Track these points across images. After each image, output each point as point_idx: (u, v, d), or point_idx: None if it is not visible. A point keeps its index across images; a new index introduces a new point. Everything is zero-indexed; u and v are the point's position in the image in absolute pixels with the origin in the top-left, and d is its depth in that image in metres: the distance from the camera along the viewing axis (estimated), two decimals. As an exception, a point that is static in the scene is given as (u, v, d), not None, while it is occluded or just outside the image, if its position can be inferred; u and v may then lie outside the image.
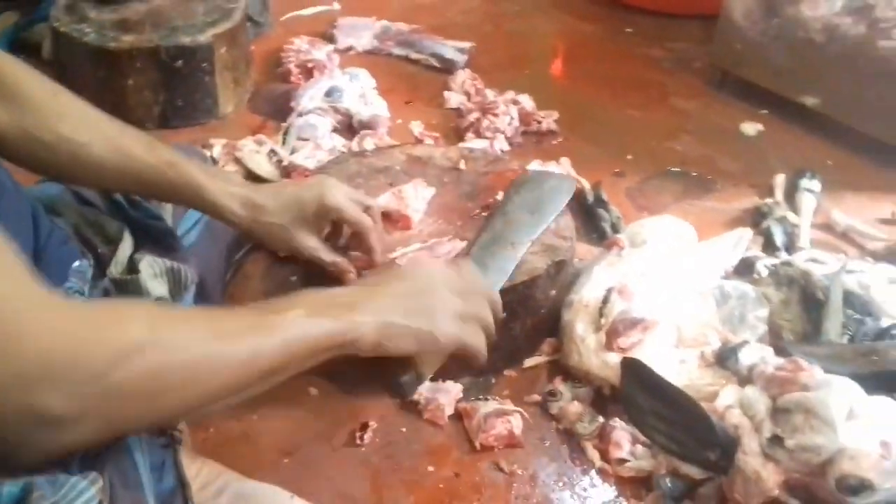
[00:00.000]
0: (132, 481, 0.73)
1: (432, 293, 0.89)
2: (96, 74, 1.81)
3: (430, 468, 1.12)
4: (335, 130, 1.85)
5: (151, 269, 1.04)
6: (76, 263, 0.92)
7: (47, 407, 0.57)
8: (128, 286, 1.01)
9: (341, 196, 1.13)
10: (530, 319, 1.25)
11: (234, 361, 0.70)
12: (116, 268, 1.05)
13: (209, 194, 1.06)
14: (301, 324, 0.76)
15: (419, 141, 1.82)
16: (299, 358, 0.76)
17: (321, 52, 2.11)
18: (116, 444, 0.74)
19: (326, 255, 1.15)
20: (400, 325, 0.84)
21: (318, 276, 1.23)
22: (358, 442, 1.15)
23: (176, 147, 1.24)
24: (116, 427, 0.66)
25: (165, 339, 0.65)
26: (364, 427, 1.16)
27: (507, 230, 1.27)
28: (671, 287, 1.28)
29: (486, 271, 1.18)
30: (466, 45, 2.27)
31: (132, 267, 1.05)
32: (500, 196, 1.34)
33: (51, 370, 0.57)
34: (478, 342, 0.92)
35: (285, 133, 1.74)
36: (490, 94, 1.97)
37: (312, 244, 1.14)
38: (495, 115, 1.86)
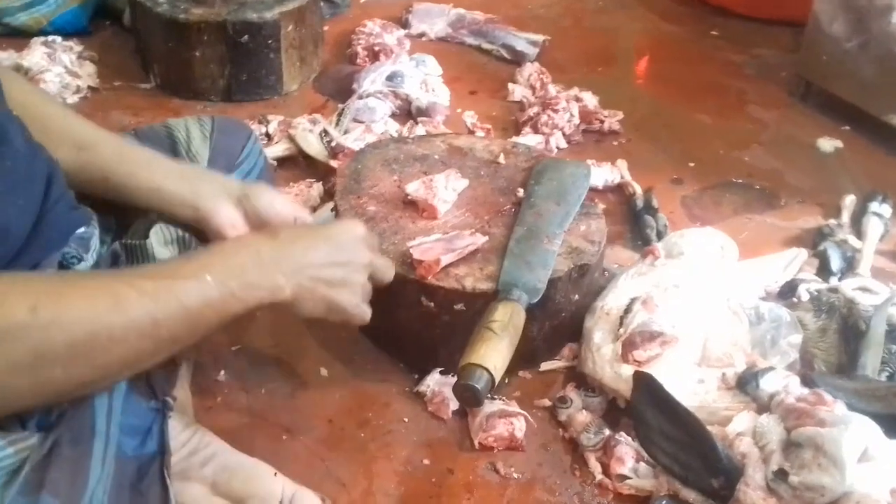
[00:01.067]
0: (83, 437, 0.74)
1: (344, 275, 0.95)
2: (167, 44, 1.86)
3: (426, 461, 1.11)
4: (393, 115, 1.85)
5: (162, 236, 1.06)
6: (81, 230, 0.95)
7: None
8: (137, 251, 1.03)
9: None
10: (549, 322, 1.22)
11: (130, 334, 0.71)
12: (134, 234, 1.07)
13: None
14: (205, 289, 0.78)
15: (470, 132, 1.79)
16: (203, 325, 0.79)
17: (392, 36, 2.11)
18: (79, 402, 0.76)
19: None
20: (313, 296, 0.91)
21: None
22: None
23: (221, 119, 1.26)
24: (11, 401, 0.68)
25: (48, 318, 0.66)
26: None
27: (538, 223, 1.25)
28: (702, 302, 1.22)
29: (530, 268, 1.17)
30: (540, 38, 2.23)
31: (148, 233, 1.07)
32: (521, 193, 1.31)
33: None
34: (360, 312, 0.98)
35: (340, 114, 1.75)
36: (553, 89, 1.93)
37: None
38: (555, 110, 1.82)
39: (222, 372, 1.21)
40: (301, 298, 0.89)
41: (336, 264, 0.93)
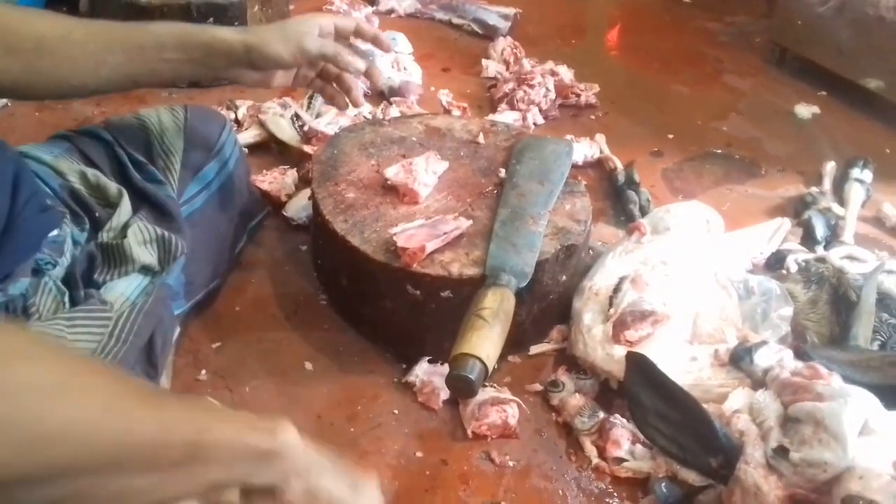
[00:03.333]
0: None
1: None
2: (128, 30, 1.79)
3: (419, 454, 1.08)
4: (365, 96, 1.79)
5: (141, 235, 1.02)
6: (53, 233, 0.90)
7: None
8: (114, 251, 0.99)
9: (326, 17, 1.11)
10: (537, 305, 1.19)
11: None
12: (109, 233, 1.03)
13: (198, 27, 1.02)
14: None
15: (446, 111, 1.76)
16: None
17: (360, 13, 2.07)
18: None
19: (329, 44, 1.09)
20: None
21: (328, 245, 1.21)
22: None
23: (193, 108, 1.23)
24: None
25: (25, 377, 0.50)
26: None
27: (522, 204, 1.22)
28: (690, 278, 1.20)
29: (516, 250, 1.14)
30: (512, 11, 2.19)
31: (126, 233, 1.03)
32: (503, 173, 1.28)
33: None
34: None
35: (311, 97, 1.70)
36: (528, 63, 1.90)
37: (312, 37, 1.07)
38: (531, 86, 1.79)
39: (203, 371, 1.18)
40: None
41: None
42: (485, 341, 0.99)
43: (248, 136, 1.63)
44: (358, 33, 1.16)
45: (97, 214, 1.06)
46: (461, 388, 0.99)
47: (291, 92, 1.83)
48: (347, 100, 1.20)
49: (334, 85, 1.20)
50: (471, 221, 1.18)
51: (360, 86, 1.21)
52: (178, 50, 0.99)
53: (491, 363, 0.99)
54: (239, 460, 0.60)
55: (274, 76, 1.11)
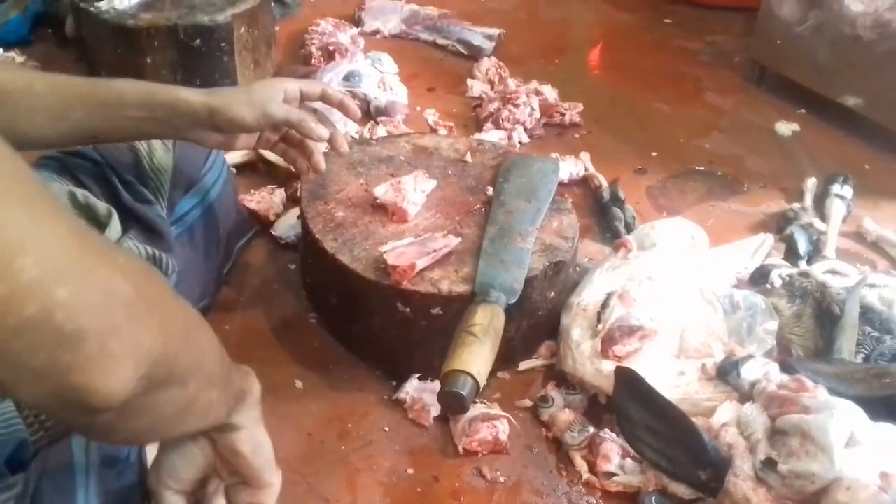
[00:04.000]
0: (64, 475, 0.71)
1: None
2: (116, 52, 1.79)
3: (410, 471, 1.09)
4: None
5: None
6: None
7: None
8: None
9: (292, 81, 1.10)
10: (526, 321, 1.20)
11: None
12: None
13: (163, 88, 1.00)
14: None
15: (433, 130, 1.77)
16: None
17: (345, 34, 2.08)
18: (58, 444, 0.72)
19: (292, 111, 1.08)
20: None
21: (318, 263, 1.21)
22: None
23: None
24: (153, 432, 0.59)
25: (195, 347, 0.57)
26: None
27: (510, 221, 1.24)
28: (677, 294, 1.22)
29: (505, 267, 1.15)
30: (495, 31, 2.21)
31: None
32: (490, 191, 1.30)
33: None
34: None
35: (298, 117, 1.71)
36: (513, 83, 1.92)
37: (277, 102, 1.06)
38: (516, 105, 1.80)
39: (194, 390, 1.17)
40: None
41: None
42: (476, 357, 1.00)
43: (236, 156, 1.63)
44: (324, 98, 1.15)
45: None
46: (453, 405, 0.99)
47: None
48: (308, 165, 1.17)
49: (297, 150, 1.18)
50: (460, 239, 1.19)
51: (321, 148, 1.19)
52: (140, 108, 0.98)
53: (482, 379, 1.00)
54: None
55: (237, 139, 1.10)
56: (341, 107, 1.17)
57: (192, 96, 1.01)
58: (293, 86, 1.11)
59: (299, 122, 1.09)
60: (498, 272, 1.14)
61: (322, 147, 1.18)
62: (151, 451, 0.94)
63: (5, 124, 0.92)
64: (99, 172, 1.13)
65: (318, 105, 1.17)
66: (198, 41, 1.77)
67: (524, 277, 1.15)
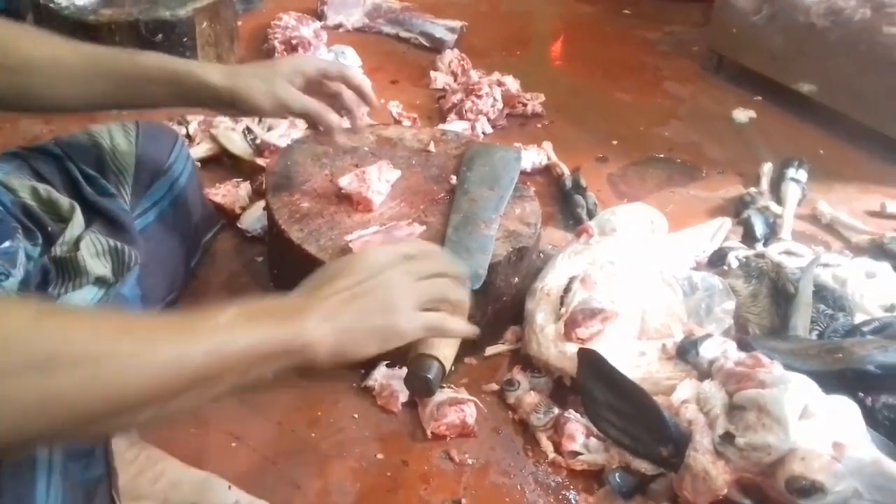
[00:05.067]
0: (25, 468, 0.71)
1: (386, 285, 0.80)
2: (75, 48, 1.78)
3: (380, 456, 1.10)
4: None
5: (94, 248, 1.02)
6: (6, 244, 0.91)
7: None
8: (68, 264, 0.99)
9: (312, 61, 1.14)
10: (491, 307, 1.22)
11: (151, 364, 0.62)
12: (62, 247, 1.03)
13: (187, 69, 1.04)
14: (233, 329, 0.67)
15: (397, 122, 1.78)
16: (233, 367, 0.67)
17: (308, 28, 2.08)
18: (17, 466, 0.71)
19: (310, 102, 1.12)
20: (357, 328, 0.76)
21: (285, 254, 1.22)
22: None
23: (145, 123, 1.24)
24: (13, 423, 0.57)
25: (53, 331, 0.58)
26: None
27: (474, 209, 1.25)
28: (637, 277, 1.25)
29: (469, 254, 1.17)
30: (458, 24, 2.23)
31: (79, 246, 1.03)
32: (454, 180, 1.32)
33: None
34: (451, 322, 0.86)
35: (262, 111, 1.71)
36: (475, 74, 1.94)
37: (294, 93, 1.10)
38: (478, 96, 1.83)
39: (162, 382, 1.18)
40: (341, 335, 0.75)
41: (369, 281, 0.79)
42: (442, 342, 1.01)
43: (200, 150, 1.64)
44: (344, 80, 1.17)
45: (50, 229, 1.06)
46: (420, 388, 1.01)
47: (242, 106, 1.84)
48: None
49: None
50: (424, 227, 1.20)
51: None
52: (165, 86, 1.02)
53: (448, 363, 1.02)
54: (256, 366, 0.69)
55: None
56: (359, 91, 1.19)
57: (216, 80, 1.04)
58: (312, 67, 1.13)
59: (317, 114, 1.12)
60: (461, 258, 1.16)
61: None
62: (119, 451, 0.95)
63: (26, 90, 0.95)
64: (61, 167, 1.13)
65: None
66: (159, 36, 1.77)
67: (488, 263, 1.17)
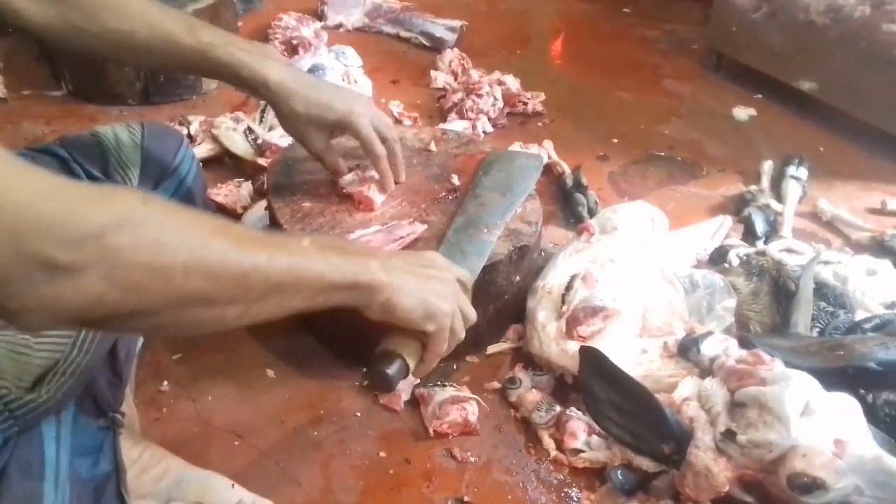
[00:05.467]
0: (34, 465, 0.72)
1: (442, 279, 0.89)
2: (77, 49, 1.79)
3: (382, 454, 1.11)
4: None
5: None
6: None
7: (46, 254, 0.54)
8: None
9: (365, 120, 1.18)
10: (493, 305, 1.23)
11: (241, 263, 0.67)
12: None
13: (246, 70, 1.08)
14: (313, 252, 0.76)
15: (398, 121, 1.79)
16: (308, 286, 0.74)
17: (308, 28, 2.09)
18: (28, 433, 0.73)
19: (329, 156, 1.21)
20: (411, 291, 0.84)
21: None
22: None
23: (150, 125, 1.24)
24: (120, 293, 0.60)
25: (161, 218, 0.61)
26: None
27: (480, 213, 1.25)
28: (638, 275, 1.25)
29: (464, 256, 1.16)
30: (458, 23, 2.23)
31: None
32: (455, 180, 1.32)
33: (45, 223, 0.55)
34: (461, 330, 0.92)
35: (263, 111, 1.72)
36: (476, 74, 1.94)
37: (320, 146, 1.18)
38: (479, 95, 1.83)
39: (165, 382, 1.19)
40: (398, 288, 0.83)
41: (428, 268, 0.89)
42: (409, 341, 1.00)
43: (202, 150, 1.64)
44: (391, 152, 1.24)
45: None
46: (379, 383, 0.98)
47: (243, 106, 1.85)
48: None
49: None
50: (426, 226, 1.21)
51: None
52: (227, 78, 1.09)
53: (412, 364, 0.99)
54: (325, 292, 0.76)
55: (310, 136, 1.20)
56: (392, 164, 1.25)
57: (275, 78, 1.10)
58: (383, 124, 1.21)
59: (330, 169, 1.24)
60: (455, 260, 1.14)
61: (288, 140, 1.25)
62: (127, 453, 0.95)
63: (89, 42, 1.00)
64: (65, 168, 1.13)
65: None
66: (160, 37, 1.77)
67: (481, 267, 1.16)
